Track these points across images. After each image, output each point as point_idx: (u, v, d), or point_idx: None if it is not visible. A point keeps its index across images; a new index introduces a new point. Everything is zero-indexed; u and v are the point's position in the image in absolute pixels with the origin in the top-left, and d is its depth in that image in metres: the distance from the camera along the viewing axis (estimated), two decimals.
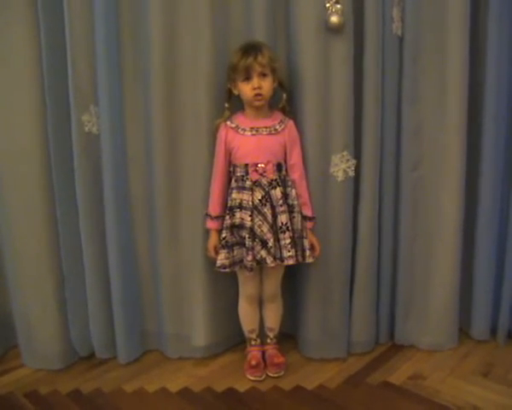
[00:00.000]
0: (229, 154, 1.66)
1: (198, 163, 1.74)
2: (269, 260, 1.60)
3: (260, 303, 1.81)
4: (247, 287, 1.76)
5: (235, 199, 1.64)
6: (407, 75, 1.76)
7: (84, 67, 1.64)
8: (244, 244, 1.62)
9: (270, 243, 1.59)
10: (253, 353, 1.80)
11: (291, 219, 1.63)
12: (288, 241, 1.61)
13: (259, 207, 1.61)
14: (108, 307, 1.80)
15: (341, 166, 1.72)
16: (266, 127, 1.63)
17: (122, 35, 1.69)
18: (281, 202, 1.62)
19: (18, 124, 1.67)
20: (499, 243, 1.90)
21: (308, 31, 1.63)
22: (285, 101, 1.68)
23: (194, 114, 1.71)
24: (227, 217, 1.64)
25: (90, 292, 1.79)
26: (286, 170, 1.67)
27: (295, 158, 1.67)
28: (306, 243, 1.66)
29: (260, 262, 1.62)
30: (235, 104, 1.68)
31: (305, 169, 1.69)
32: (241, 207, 1.63)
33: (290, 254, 1.61)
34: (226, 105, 1.68)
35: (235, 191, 1.64)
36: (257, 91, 1.57)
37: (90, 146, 1.69)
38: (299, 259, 1.66)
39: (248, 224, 1.60)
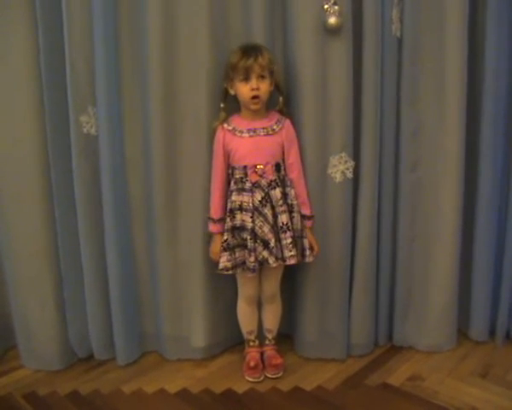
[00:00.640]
0: (227, 156, 1.66)
1: (196, 164, 1.74)
2: (271, 260, 1.60)
3: (259, 304, 1.81)
4: (246, 288, 1.76)
5: (234, 201, 1.63)
6: (406, 76, 1.76)
7: (82, 67, 1.64)
8: (245, 246, 1.62)
9: (272, 244, 1.59)
10: (252, 354, 1.80)
11: (291, 218, 1.63)
12: (289, 241, 1.61)
13: (260, 209, 1.61)
14: (107, 309, 1.79)
15: (339, 168, 1.71)
16: (263, 128, 1.63)
17: (120, 36, 1.69)
18: (281, 202, 1.62)
19: (16, 125, 1.67)
20: (498, 244, 1.90)
21: (306, 32, 1.63)
22: (282, 103, 1.68)
23: (193, 115, 1.71)
24: (227, 219, 1.64)
25: (88, 293, 1.78)
26: (284, 169, 1.67)
27: (293, 157, 1.67)
28: (306, 243, 1.67)
29: (262, 263, 1.62)
30: (231, 105, 1.67)
31: (303, 170, 1.69)
32: (241, 208, 1.63)
33: (292, 253, 1.61)
34: (222, 105, 1.67)
35: (234, 193, 1.64)
36: (254, 93, 1.57)
37: (88, 147, 1.69)
38: (299, 258, 1.66)
39: (249, 225, 1.60)
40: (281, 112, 1.69)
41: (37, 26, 1.60)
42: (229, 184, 1.67)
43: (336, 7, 1.58)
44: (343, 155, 1.71)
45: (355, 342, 1.86)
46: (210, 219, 1.69)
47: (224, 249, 1.63)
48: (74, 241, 1.75)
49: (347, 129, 1.70)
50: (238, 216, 1.63)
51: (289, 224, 1.62)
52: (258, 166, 1.62)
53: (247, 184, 1.62)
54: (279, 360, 1.77)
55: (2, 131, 1.68)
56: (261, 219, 1.61)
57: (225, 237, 1.63)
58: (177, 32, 1.66)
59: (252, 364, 1.74)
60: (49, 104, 1.66)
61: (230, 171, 1.67)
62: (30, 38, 1.62)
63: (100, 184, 1.71)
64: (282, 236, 1.62)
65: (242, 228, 1.63)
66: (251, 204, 1.61)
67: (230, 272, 1.66)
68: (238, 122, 1.65)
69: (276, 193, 1.62)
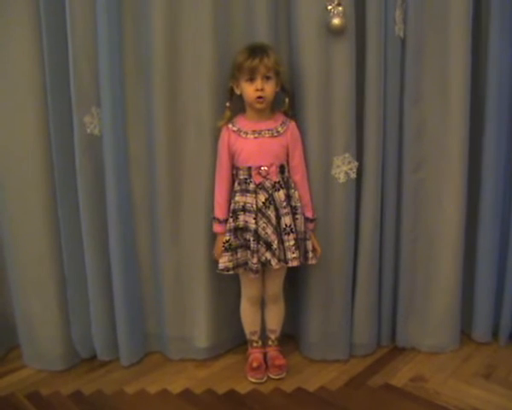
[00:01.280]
0: (232, 157, 1.66)
1: (200, 164, 1.74)
2: (273, 262, 1.60)
3: (262, 305, 1.81)
4: (249, 288, 1.76)
5: (238, 202, 1.64)
6: (409, 77, 1.76)
7: (85, 68, 1.64)
8: (248, 247, 1.62)
9: (275, 245, 1.59)
10: (255, 354, 1.80)
11: (294, 220, 1.63)
12: (292, 243, 1.61)
13: (263, 210, 1.61)
14: (110, 309, 1.80)
15: (343, 168, 1.71)
16: (268, 130, 1.63)
17: (124, 36, 1.69)
18: (284, 203, 1.62)
19: (20, 125, 1.67)
20: (501, 245, 1.90)
21: (310, 33, 1.63)
22: (287, 105, 1.68)
23: (197, 115, 1.71)
24: (230, 220, 1.64)
25: (91, 293, 1.79)
26: (288, 171, 1.67)
27: (297, 159, 1.67)
28: (309, 245, 1.67)
29: (265, 264, 1.62)
30: (237, 104, 1.67)
31: (307, 171, 1.69)
32: (244, 209, 1.63)
33: (294, 255, 1.61)
34: (227, 104, 1.68)
35: (238, 194, 1.64)
36: (259, 93, 1.57)
37: (91, 147, 1.69)
38: (302, 260, 1.66)
39: (253, 226, 1.60)
40: (286, 113, 1.69)
41: (40, 27, 1.60)
42: (233, 184, 1.67)
43: (340, 8, 1.58)
44: (346, 155, 1.71)
45: (358, 343, 1.86)
46: (215, 219, 1.69)
47: (226, 250, 1.63)
48: (78, 241, 1.75)
49: (351, 129, 1.70)
50: (241, 217, 1.63)
51: (292, 226, 1.62)
52: (262, 168, 1.62)
53: (251, 186, 1.62)
54: (282, 361, 1.77)
55: (4, 131, 1.68)
56: (264, 220, 1.61)
57: (227, 238, 1.63)
58: (180, 32, 1.66)
59: (255, 365, 1.74)
60: (53, 104, 1.66)
61: (235, 171, 1.67)
62: (34, 39, 1.62)
63: (103, 184, 1.71)
64: (285, 238, 1.62)
65: (245, 229, 1.63)
66: (254, 205, 1.61)
67: (231, 272, 1.66)
68: (243, 123, 1.65)
69: (280, 195, 1.62)
